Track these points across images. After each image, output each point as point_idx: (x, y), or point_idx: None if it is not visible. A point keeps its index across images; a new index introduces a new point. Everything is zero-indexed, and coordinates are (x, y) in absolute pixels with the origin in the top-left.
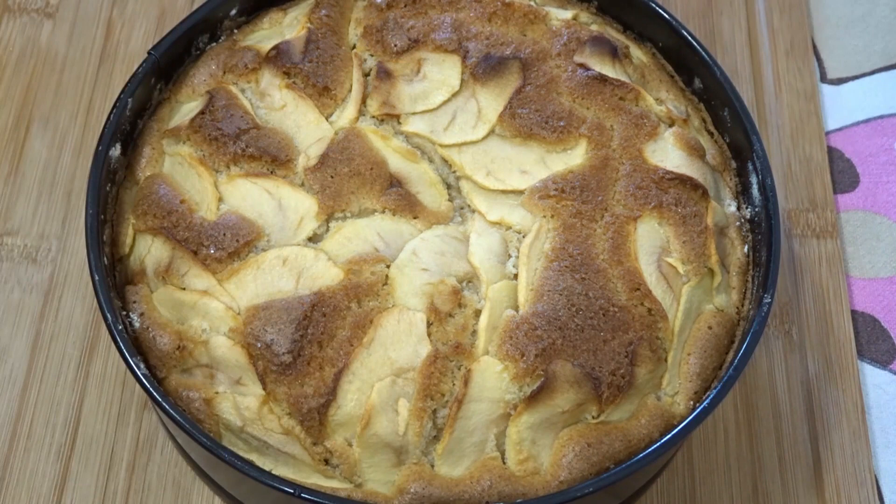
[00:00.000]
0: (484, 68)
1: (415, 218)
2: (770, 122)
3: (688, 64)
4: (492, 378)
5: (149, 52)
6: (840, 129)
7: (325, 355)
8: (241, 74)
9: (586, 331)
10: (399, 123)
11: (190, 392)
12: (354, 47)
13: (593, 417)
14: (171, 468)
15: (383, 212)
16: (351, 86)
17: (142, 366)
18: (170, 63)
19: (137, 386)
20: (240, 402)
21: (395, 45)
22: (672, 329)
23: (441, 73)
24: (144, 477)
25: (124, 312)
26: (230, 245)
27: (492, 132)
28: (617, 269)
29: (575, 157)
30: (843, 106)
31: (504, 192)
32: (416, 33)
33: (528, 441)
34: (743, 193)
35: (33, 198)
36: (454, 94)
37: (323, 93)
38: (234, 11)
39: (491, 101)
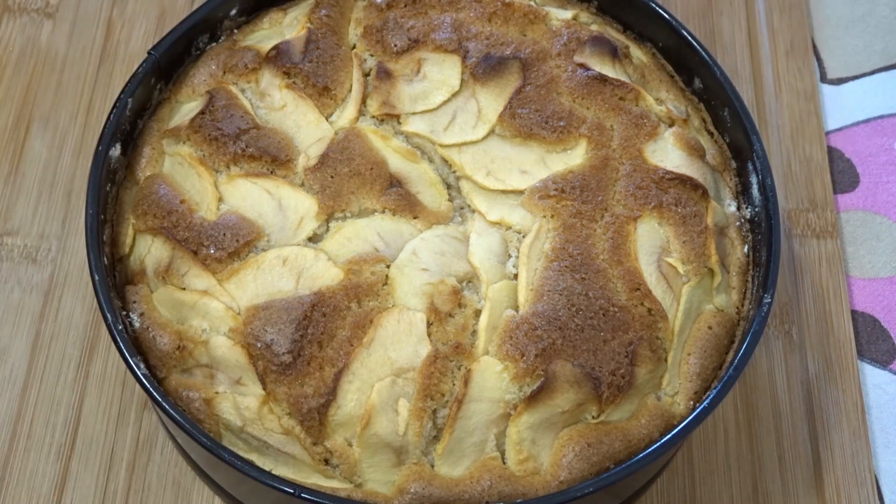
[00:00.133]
0: (484, 68)
1: (415, 218)
2: (770, 122)
3: (688, 64)
4: (492, 378)
5: (149, 52)
6: (840, 129)
7: (325, 355)
8: (241, 74)
9: (586, 331)
10: (399, 123)
11: (190, 392)
12: (354, 47)
13: (593, 417)
14: (171, 468)
15: (383, 212)
16: (351, 86)
17: (142, 366)
18: (170, 63)
19: (137, 386)
20: (240, 402)
21: (395, 45)
22: (672, 329)
23: (441, 73)
24: (144, 477)
25: (124, 312)
26: (230, 245)
27: (492, 132)
28: (617, 269)
29: (575, 157)
30: (843, 106)
31: (504, 192)
32: (416, 33)
33: (528, 441)
34: (743, 193)
35: (33, 198)
36: (454, 94)
37: (323, 93)
38: (234, 11)
39: (491, 101)
